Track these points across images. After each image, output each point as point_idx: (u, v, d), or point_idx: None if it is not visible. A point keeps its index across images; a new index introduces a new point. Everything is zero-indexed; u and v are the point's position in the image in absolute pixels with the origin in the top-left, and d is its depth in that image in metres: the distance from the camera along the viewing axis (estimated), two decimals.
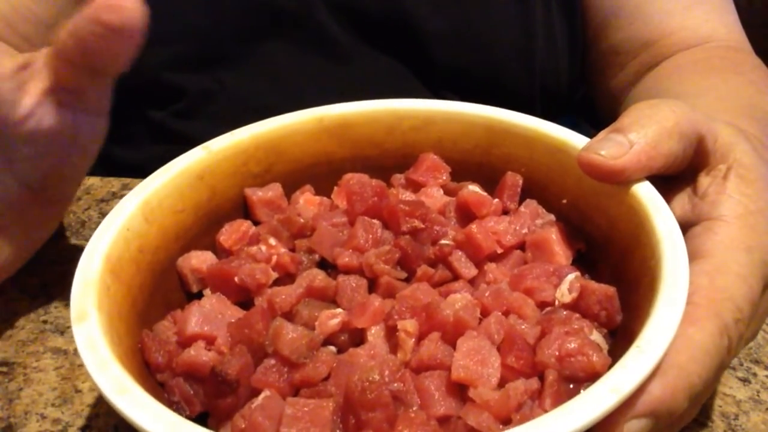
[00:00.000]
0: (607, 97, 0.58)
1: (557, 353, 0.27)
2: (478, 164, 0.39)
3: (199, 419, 0.30)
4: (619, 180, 0.31)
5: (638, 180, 0.31)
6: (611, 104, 0.57)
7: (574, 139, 0.36)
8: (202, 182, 0.37)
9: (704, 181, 0.31)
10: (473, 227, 0.34)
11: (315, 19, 0.41)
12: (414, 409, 0.27)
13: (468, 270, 0.33)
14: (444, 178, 0.39)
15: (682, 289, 0.26)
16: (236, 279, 0.33)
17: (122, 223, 0.32)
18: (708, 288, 0.27)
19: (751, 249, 0.28)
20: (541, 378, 0.28)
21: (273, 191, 0.38)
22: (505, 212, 0.37)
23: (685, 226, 0.30)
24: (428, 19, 0.41)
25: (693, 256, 0.28)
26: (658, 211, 0.30)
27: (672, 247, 0.28)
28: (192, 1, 0.52)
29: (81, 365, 0.36)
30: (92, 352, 0.26)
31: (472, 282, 0.33)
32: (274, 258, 0.34)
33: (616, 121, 0.31)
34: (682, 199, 0.31)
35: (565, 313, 0.29)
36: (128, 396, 0.24)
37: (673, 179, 0.32)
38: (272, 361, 0.29)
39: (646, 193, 0.31)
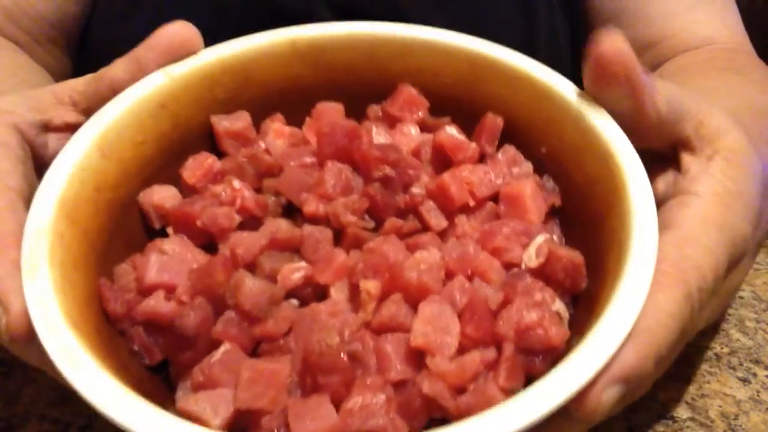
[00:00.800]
0: None
1: (516, 326, 0.27)
2: (457, 99, 0.37)
3: (160, 367, 0.30)
4: (622, 79, 0.29)
5: (624, 142, 0.30)
6: None
7: (561, 85, 0.33)
8: (164, 111, 0.35)
9: (688, 159, 0.30)
10: (446, 177, 0.33)
11: (317, 18, 0.38)
12: (371, 374, 0.27)
13: (438, 222, 0.33)
14: (421, 114, 0.37)
15: (645, 282, 0.25)
16: (198, 223, 0.32)
17: (77, 162, 0.31)
18: (675, 257, 0.27)
19: (722, 227, 0.28)
20: (499, 349, 0.28)
21: (241, 121, 0.36)
22: (482, 156, 0.35)
23: (664, 201, 0.29)
24: (429, 19, 0.38)
25: (663, 226, 0.28)
26: (634, 182, 0.29)
27: (641, 226, 0.27)
28: (193, 1, 0.50)
29: None
30: (44, 316, 0.25)
31: (442, 234, 0.33)
32: (239, 201, 0.33)
33: None
34: (667, 177, 0.30)
35: (529, 280, 0.29)
36: (82, 372, 0.24)
37: (663, 158, 0.31)
38: (232, 314, 0.29)
39: (627, 158, 0.29)
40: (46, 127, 0.33)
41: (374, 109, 0.38)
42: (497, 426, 0.22)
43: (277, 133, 0.37)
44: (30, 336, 0.25)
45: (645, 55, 0.51)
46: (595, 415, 0.24)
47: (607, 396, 0.24)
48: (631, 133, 0.30)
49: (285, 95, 0.38)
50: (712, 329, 0.39)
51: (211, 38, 0.36)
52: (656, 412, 0.34)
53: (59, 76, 0.54)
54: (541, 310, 0.27)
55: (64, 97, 0.34)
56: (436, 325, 0.28)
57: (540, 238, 0.30)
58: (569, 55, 0.57)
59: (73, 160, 0.31)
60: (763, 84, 0.43)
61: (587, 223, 0.31)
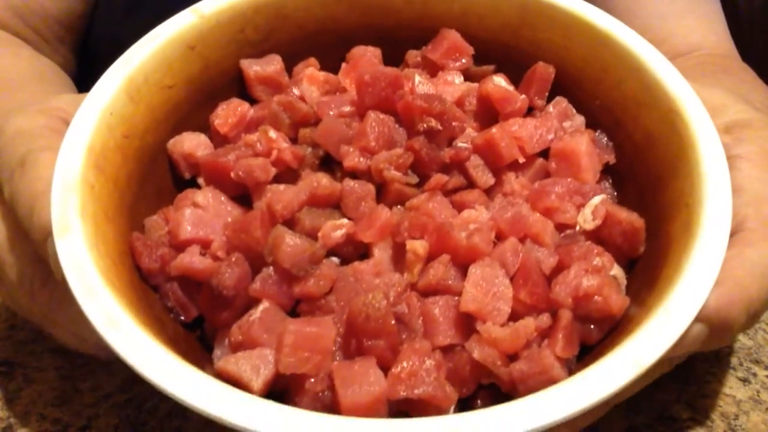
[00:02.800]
0: None
1: (574, 292, 0.26)
2: (505, 46, 0.35)
3: (196, 323, 0.29)
4: None
5: (692, 98, 0.28)
6: None
7: (622, 33, 0.31)
8: (194, 52, 0.33)
9: None
10: (494, 132, 0.31)
11: None
12: (418, 339, 0.26)
13: (485, 178, 0.31)
14: (464, 61, 0.35)
15: (721, 246, 0.24)
16: (233, 175, 0.30)
17: (104, 107, 0.29)
18: (756, 215, 0.26)
19: None
20: (554, 314, 0.26)
21: (273, 65, 0.34)
22: (531, 109, 0.33)
23: None
24: None
25: None
26: (706, 138, 0.27)
27: (716, 189, 0.25)
28: None
29: (81, 365, 0.35)
30: (79, 275, 0.24)
31: (489, 192, 0.31)
32: (275, 153, 0.31)
33: None
34: None
35: (586, 243, 0.28)
36: (119, 331, 0.23)
37: None
38: (271, 272, 0.28)
39: (696, 115, 0.27)
40: None
41: (414, 55, 0.36)
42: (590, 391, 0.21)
43: (311, 79, 0.34)
44: None
45: None
46: (673, 354, 0.23)
47: (689, 332, 0.23)
48: None
49: (319, 37, 0.36)
50: None
51: None
52: (656, 412, 0.33)
53: (65, 72, 0.53)
54: (600, 277, 0.26)
55: None
56: (487, 290, 0.26)
57: (597, 199, 0.29)
58: None
59: (101, 105, 0.29)
60: (752, 83, 0.43)
61: (644, 184, 0.30)
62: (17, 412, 0.33)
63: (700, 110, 0.27)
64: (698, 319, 0.23)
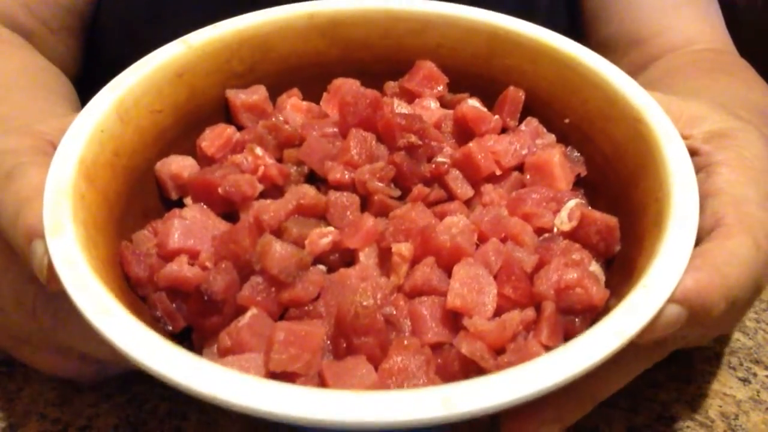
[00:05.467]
0: None
1: (556, 285, 0.27)
2: (477, 75, 0.37)
3: (183, 334, 0.29)
4: None
5: (654, 107, 0.30)
6: None
7: (584, 55, 0.33)
8: (181, 80, 0.34)
9: (690, 146, 0.30)
10: (472, 146, 0.32)
11: None
12: (407, 335, 0.27)
13: (464, 190, 0.32)
14: (440, 89, 0.37)
15: (692, 227, 0.25)
16: (220, 190, 0.31)
17: (96, 124, 0.30)
18: (735, 212, 0.27)
19: (757, 182, 0.28)
20: (538, 309, 0.27)
21: (257, 94, 0.36)
22: (504, 130, 0.35)
23: None
24: None
25: (703, 196, 0.28)
26: (669, 140, 0.29)
27: (682, 181, 0.27)
28: None
29: None
30: (70, 269, 0.24)
31: (468, 203, 0.32)
32: (261, 169, 0.32)
33: None
34: None
35: (564, 242, 0.29)
36: (111, 318, 0.23)
37: None
38: (259, 279, 0.28)
39: (659, 121, 0.29)
40: None
41: (391, 86, 0.38)
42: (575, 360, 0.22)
43: (294, 107, 0.36)
44: None
45: (632, 53, 0.52)
46: (655, 333, 0.24)
47: (667, 313, 0.24)
48: None
49: (302, 70, 0.37)
50: None
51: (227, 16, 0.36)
52: (656, 412, 0.34)
53: (69, 63, 0.53)
54: (581, 270, 0.27)
55: None
56: (472, 287, 0.27)
57: (572, 203, 0.30)
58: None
59: (93, 122, 0.30)
60: (750, 81, 0.44)
61: (615, 190, 0.31)
62: (17, 412, 0.33)
63: (662, 116, 0.29)
64: (678, 301, 0.24)
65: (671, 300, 0.24)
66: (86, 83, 0.54)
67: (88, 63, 0.55)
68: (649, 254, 0.25)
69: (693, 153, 0.30)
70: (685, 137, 0.30)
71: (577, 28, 0.57)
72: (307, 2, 0.37)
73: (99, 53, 0.56)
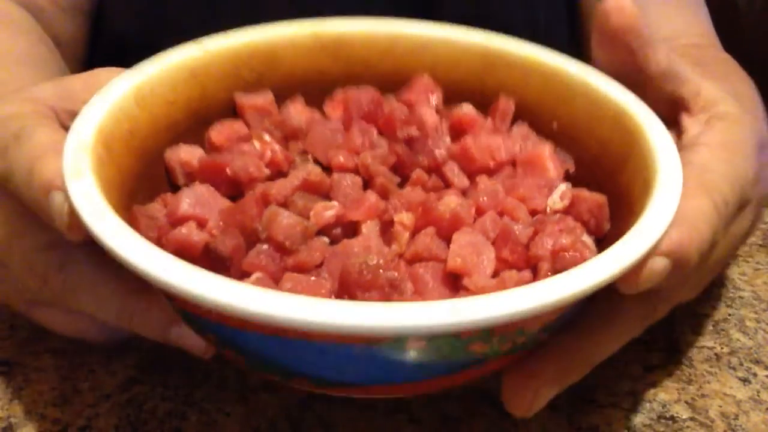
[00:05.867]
0: None
1: (551, 248, 0.28)
2: (471, 90, 0.40)
3: None
4: (628, 32, 0.31)
5: (636, 100, 0.32)
6: None
7: (570, 67, 0.36)
8: (195, 79, 0.36)
9: (688, 120, 0.33)
10: (468, 139, 0.34)
11: None
12: (409, 296, 0.27)
13: (460, 180, 0.34)
14: (436, 99, 0.39)
15: (677, 188, 0.27)
16: (228, 171, 0.32)
17: (114, 102, 0.31)
18: (697, 178, 0.29)
19: (730, 163, 0.30)
20: (534, 271, 0.28)
21: (264, 98, 0.38)
22: (498, 133, 0.37)
23: None
24: None
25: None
26: (652, 128, 0.31)
27: (667, 158, 0.29)
28: None
29: (81, 365, 0.35)
30: (89, 204, 0.25)
31: (464, 193, 0.34)
32: (268, 154, 0.33)
33: None
34: None
35: (558, 215, 0.30)
36: (128, 240, 0.24)
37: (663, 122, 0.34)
38: (265, 247, 0.29)
39: (641, 110, 0.32)
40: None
41: (390, 99, 0.40)
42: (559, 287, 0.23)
43: (298, 111, 0.38)
44: None
45: None
46: (642, 283, 0.25)
47: (653, 266, 0.25)
48: (633, 89, 0.32)
49: (306, 84, 0.40)
50: (713, 329, 0.40)
51: None
52: (656, 412, 0.34)
53: (78, 42, 0.53)
54: (574, 236, 0.28)
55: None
56: (471, 250, 0.28)
57: (563, 186, 0.32)
58: (566, 24, 0.59)
59: (111, 100, 0.31)
60: (732, 74, 0.46)
61: (602, 180, 0.33)
62: (17, 412, 0.33)
63: (642, 106, 0.32)
64: (664, 253, 0.26)
65: (658, 253, 0.26)
66: (90, 64, 0.54)
67: (93, 43, 0.55)
68: (639, 213, 0.27)
69: (685, 131, 0.32)
70: (697, 113, 0.32)
71: (576, 37, 0.59)
72: (313, 20, 0.40)
73: (103, 33, 0.55)
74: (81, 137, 0.28)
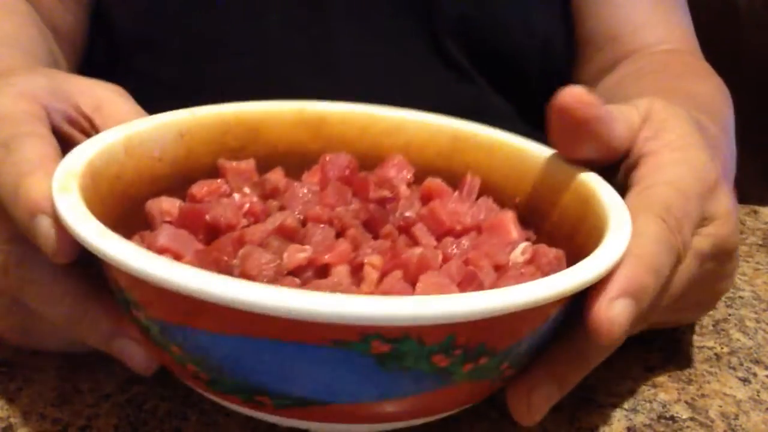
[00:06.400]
0: None
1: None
2: (440, 169, 0.42)
3: None
4: (591, 120, 0.32)
5: (590, 173, 0.35)
6: None
7: (532, 147, 0.40)
8: (182, 139, 0.38)
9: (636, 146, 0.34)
10: (436, 203, 0.36)
11: None
12: None
13: (429, 241, 0.35)
14: (409, 176, 0.42)
15: (627, 232, 0.29)
16: (207, 217, 0.34)
17: (105, 146, 0.33)
18: (636, 196, 0.31)
19: (680, 163, 0.32)
20: None
21: (246, 163, 0.40)
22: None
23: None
24: None
25: (627, 188, 0.32)
26: (602, 189, 0.33)
27: (618, 212, 0.31)
28: None
29: (81, 365, 0.36)
30: (73, 211, 0.26)
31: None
32: (246, 206, 0.35)
33: None
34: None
35: (520, 265, 0.32)
36: (112, 239, 0.25)
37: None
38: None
39: (592, 178, 0.35)
40: (71, 121, 0.35)
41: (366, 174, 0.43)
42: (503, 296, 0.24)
43: (278, 177, 0.40)
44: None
45: (607, 48, 0.57)
46: (613, 330, 0.26)
47: (617, 310, 0.26)
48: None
49: (287, 156, 0.43)
50: (713, 329, 0.39)
51: None
52: (656, 412, 0.34)
53: (78, 34, 0.54)
54: (534, 279, 0.30)
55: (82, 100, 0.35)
56: (436, 289, 0.29)
57: (524, 243, 0.34)
58: (563, 22, 0.60)
59: (102, 144, 0.33)
60: (703, 78, 0.49)
61: (562, 241, 0.35)
62: (17, 412, 0.33)
63: (594, 175, 0.35)
64: (616, 294, 0.27)
65: (612, 298, 0.27)
66: (90, 57, 0.54)
67: (92, 35, 0.55)
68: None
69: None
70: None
71: (572, 38, 0.61)
72: (300, 101, 0.43)
73: (102, 26, 0.56)
74: (71, 166, 0.30)
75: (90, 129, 0.36)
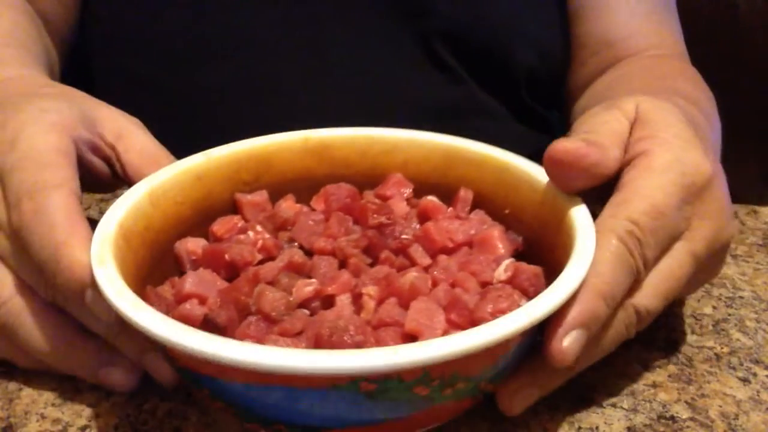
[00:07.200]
0: (568, 93, 0.62)
1: (491, 310, 0.33)
2: (436, 184, 0.46)
3: None
4: (585, 166, 0.34)
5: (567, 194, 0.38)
6: (569, 102, 0.62)
7: (517, 161, 0.43)
8: (200, 182, 0.43)
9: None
10: (430, 224, 0.40)
11: None
12: None
13: (423, 259, 0.40)
14: (408, 192, 0.46)
15: (589, 257, 0.33)
16: (227, 257, 0.38)
17: (133, 203, 0.38)
18: (610, 209, 0.34)
19: (667, 167, 0.34)
20: None
21: (260, 196, 0.45)
22: (458, 219, 0.43)
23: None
24: None
25: (616, 189, 0.35)
26: (576, 208, 0.37)
27: (584, 230, 0.35)
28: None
29: None
30: (111, 284, 0.31)
31: (426, 269, 0.39)
32: (260, 242, 0.40)
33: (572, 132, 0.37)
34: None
35: (501, 285, 0.36)
36: (145, 312, 0.30)
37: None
38: (254, 318, 0.35)
39: (565, 197, 0.38)
40: (95, 149, 0.39)
41: (368, 194, 0.47)
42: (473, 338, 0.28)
43: (289, 206, 0.45)
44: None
45: (601, 52, 0.58)
46: (566, 359, 0.30)
47: (568, 342, 0.30)
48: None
49: (296, 182, 0.47)
50: (713, 329, 0.40)
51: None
52: (656, 412, 0.34)
53: (67, 24, 0.55)
54: (511, 300, 0.34)
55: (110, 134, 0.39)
56: (424, 315, 0.34)
57: (508, 260, 0.38)
58: (557, 26, 0.62)
59: (130, 202, 0.38)
60: (694, 82, 0.50)
61: (544, 254, 0.39)
62: (17, 412, 0.33)
63: (567, 196, 0.38)
64: (569, 327, 0.31)
65: (570, 328, 0.31)
66: (80, 49, 0.56)
67: (81, 28, 0.56)
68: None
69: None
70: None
71: (567, 41, 0.62)
72: (305, 131, 0.47)
73: (91, 19, 0.57)
74: (104, 234, 0.35)
75: (111, 155, 0.40)
